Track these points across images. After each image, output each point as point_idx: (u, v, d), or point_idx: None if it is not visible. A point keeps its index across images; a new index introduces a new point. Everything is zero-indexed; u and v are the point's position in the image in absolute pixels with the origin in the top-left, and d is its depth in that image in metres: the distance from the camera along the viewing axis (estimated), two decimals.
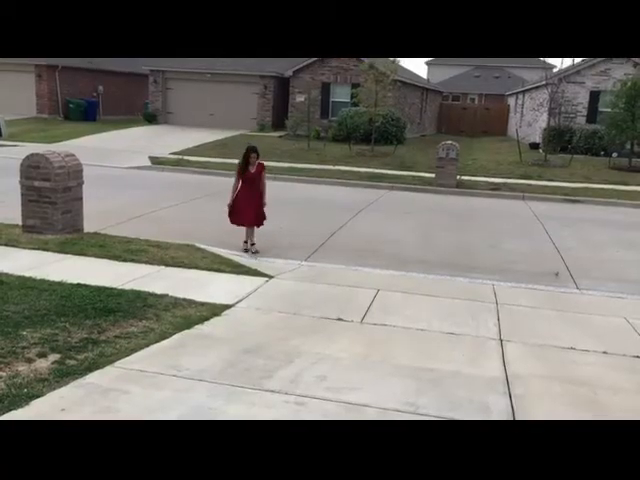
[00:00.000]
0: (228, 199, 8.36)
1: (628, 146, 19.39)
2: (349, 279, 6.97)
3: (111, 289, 5.70)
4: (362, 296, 6.22)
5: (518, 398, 3.96)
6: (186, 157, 18.49)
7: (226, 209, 8.36)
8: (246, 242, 8.31)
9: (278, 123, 26.93)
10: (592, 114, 22.81)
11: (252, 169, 8.33)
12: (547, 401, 3.96)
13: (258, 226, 8.38)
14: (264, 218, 8.46)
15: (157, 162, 17.60)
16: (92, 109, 28.87)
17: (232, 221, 8.36)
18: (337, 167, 17.64)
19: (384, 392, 3.95)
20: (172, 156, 18.75)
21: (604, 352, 4.97)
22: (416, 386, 4.08)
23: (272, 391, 3.87)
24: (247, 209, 8.22)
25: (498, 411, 3.75)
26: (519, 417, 3.69)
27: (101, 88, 30.37)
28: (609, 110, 19.91)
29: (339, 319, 5.48)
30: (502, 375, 4.35)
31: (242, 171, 8.33)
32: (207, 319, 5.22)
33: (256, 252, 8.13)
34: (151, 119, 27.99)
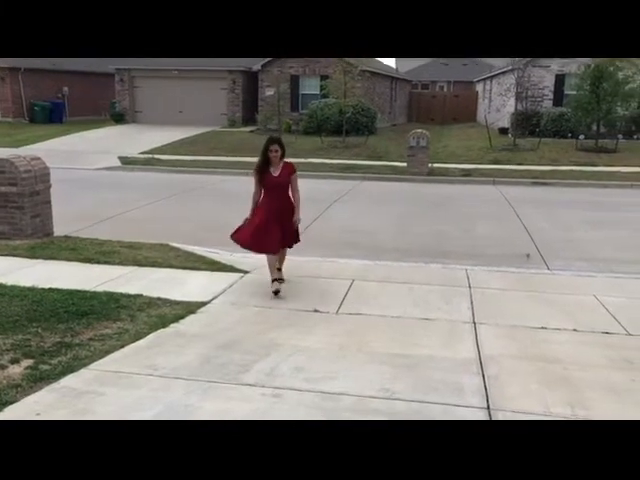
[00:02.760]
0: (248, 212, 6.15)
1: (594, 127, 19.73)
2: (324, 271, 6.99)
3: (84, 292, 5.64)
4: (337, 287, 6.26)
5: (491, 378, 4.04)
6: (156, 156, 18.33)
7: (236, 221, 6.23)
8: (275, 280, 5.93)
9: (248, 118, 26.81)
10: (558, 97, 23.14)
11: (276, 172, 6.00)
12: (519, 379, 4.05)
13: (290, 246, 6.31)
14: (297, 239, 6.29)
15: (127, 162, 17.42)
16: (58, 111, 28.39)
17: (241, 242, 6.06)
18: (309, 160, 17.64)
19: (360, 380, 4.00)
20: (142, 155, 18.57)
21: (574, 330, 5.08)
22: (392, 372, 4.13)
23: (249, 385, 3.89)
24: (271, 229, 5.87)
25: (472, 392, 3.83)
26: (492, 395, 3.77)
27: (66, 89, 29.85)
28: (574, 93, 20.23)
29: (315, 311, 5.51)
30: (476, 356, 4.43)
31: (260, 173, 6.02)
32: (182, 317, 5.21)
33: (276, 291, 5.82)
34: (119, 119, 27.64)
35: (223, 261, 7.17)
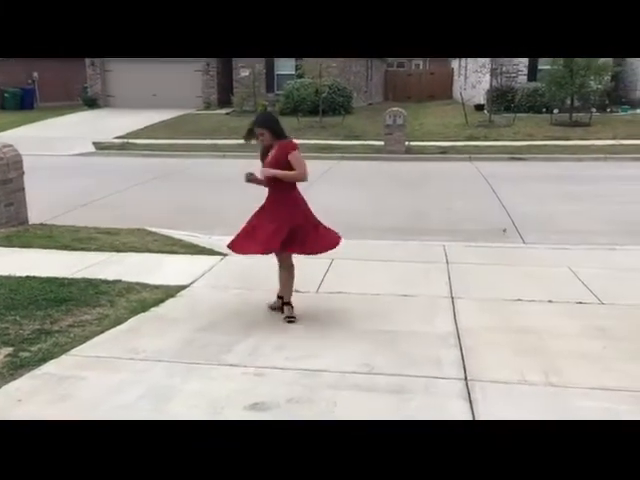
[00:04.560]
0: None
1: (568, 102, 19.89)
2: None
3: (62, 279, 5.60)
4: (317, 266, 6.28)
5: (468, 349, 4.13)
6: (131, 140, 18.10)
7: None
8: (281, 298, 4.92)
9: (224, 100, 26.54)
10: (532, 72, 23.24)
11: (269, 157, 4.83)
12: (496, 350, 4.14)
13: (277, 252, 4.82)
14: (285, 243, 4.67)
15: (101, 147, 17.19)
16: (29, 97, 27.81)
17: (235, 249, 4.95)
18: None
19: (341, 356, 4.05)
20: (117, 140, 18.32)
21: (549, 301, 5.19)
22: (372, 348, 4.19)
23: (231, 365, 3.92)
24: (257, 226, 4.76)
25: (450, 364, 3.91)
26: (469, 366, 3.86)
27: (36, 75, 29.21)
28: (548, 67, 20.34)
29: (295, 291, 5.51)
30: (453, 330, 4.51)
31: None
32: (162, 301, 5.21)
33: (289, 317, 4.77)
34: (91, 103, 27.18)
35: (202, 244, 7.16)
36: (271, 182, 4.84)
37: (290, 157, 4.80)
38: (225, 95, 26.54)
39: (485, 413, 3.26)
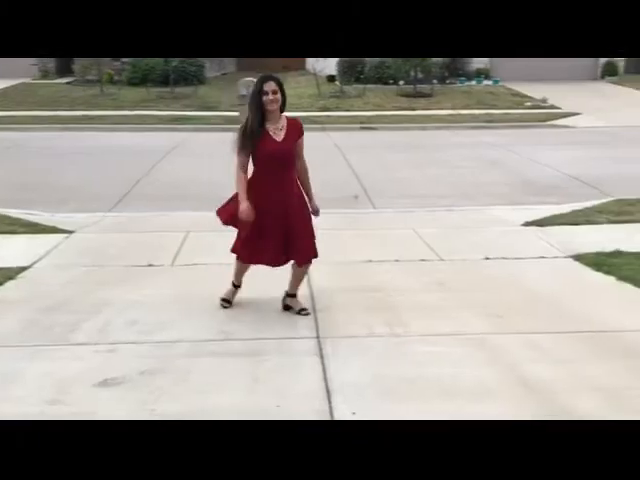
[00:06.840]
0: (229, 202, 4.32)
1: (412, 74, 20.99)
2: (158, 224, 6.84)
3: None
4: (172, 239, 6.17)
5: (322, 311, 4.31)
6: None
7: None
8: (238, 287, 4.41)
9: (63, 68, 24.56)
10: None
11: (279, 135, 3.96)
12: (347, 308, 4.37)
13: (302, 261, 4.23)
14: (311, 250, 4.24)
15: None
16: None
17: (244, 258, 4.28)
18: (135, 112, 16.77)
19: (196, 327, 4.05)
20: None
21: (396, 260, 5.55)
22: (228, 316, 4.24)
23: (80, 344, 3.77)
24: (267, 231, 4.07)
25: (304, 325, 4.07)
26: (322, 325, 4.05)
27: None
28: None
29: (149, 265, 5.41)
30: (308, 293, 4.67)
31: (250, 138, 4.01)
32: (1, 284, 4.83)
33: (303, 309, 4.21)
34: None
35: (44, 222, 6.70)
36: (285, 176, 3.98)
37: (300, 141, 3.98)
38: (64, 63, 24.56)
39: (335, 366, 3.45)
